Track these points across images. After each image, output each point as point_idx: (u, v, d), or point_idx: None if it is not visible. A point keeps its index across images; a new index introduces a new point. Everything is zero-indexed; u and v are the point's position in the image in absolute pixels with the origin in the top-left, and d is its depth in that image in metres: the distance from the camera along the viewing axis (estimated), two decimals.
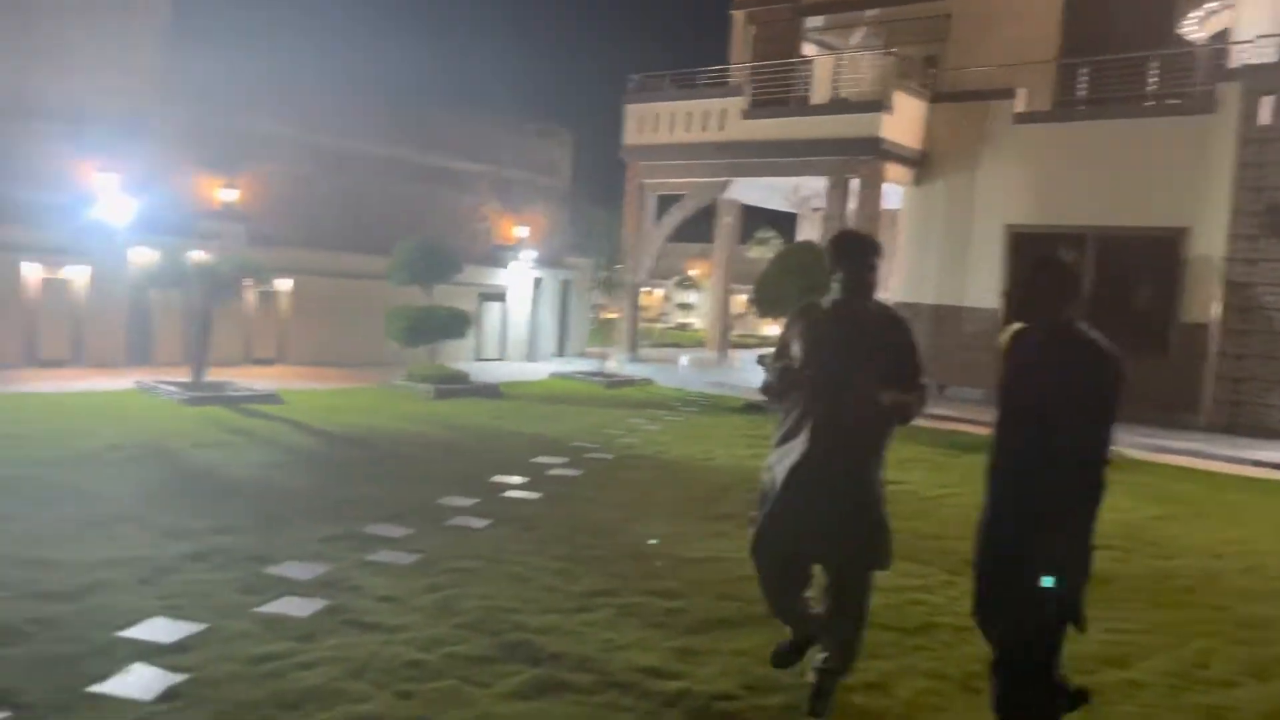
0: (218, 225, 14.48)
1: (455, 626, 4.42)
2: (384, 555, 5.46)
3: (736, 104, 17.39)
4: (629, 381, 15.64)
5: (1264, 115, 13.20)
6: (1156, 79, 15.23)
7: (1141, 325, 14.37)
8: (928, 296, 16.38)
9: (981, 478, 3.37)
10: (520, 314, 18.96)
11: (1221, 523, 7.95)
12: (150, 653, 3.90)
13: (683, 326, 38.75)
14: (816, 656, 3.83)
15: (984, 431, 4.52)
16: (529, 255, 19.07)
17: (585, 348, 20.85)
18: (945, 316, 16.05)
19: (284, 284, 15.17)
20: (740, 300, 28.55)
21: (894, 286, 17.08)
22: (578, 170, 22.17)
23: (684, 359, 19.31)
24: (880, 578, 4.48)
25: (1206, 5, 15.70)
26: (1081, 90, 15.68)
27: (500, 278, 18.51)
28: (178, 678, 3.69)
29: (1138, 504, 8.44)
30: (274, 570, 5.05)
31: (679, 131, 18.18)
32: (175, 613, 4.34)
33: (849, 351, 3.62)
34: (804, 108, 16.89)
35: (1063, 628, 3.20)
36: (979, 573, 3.39)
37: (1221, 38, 15.39)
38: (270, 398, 11.08)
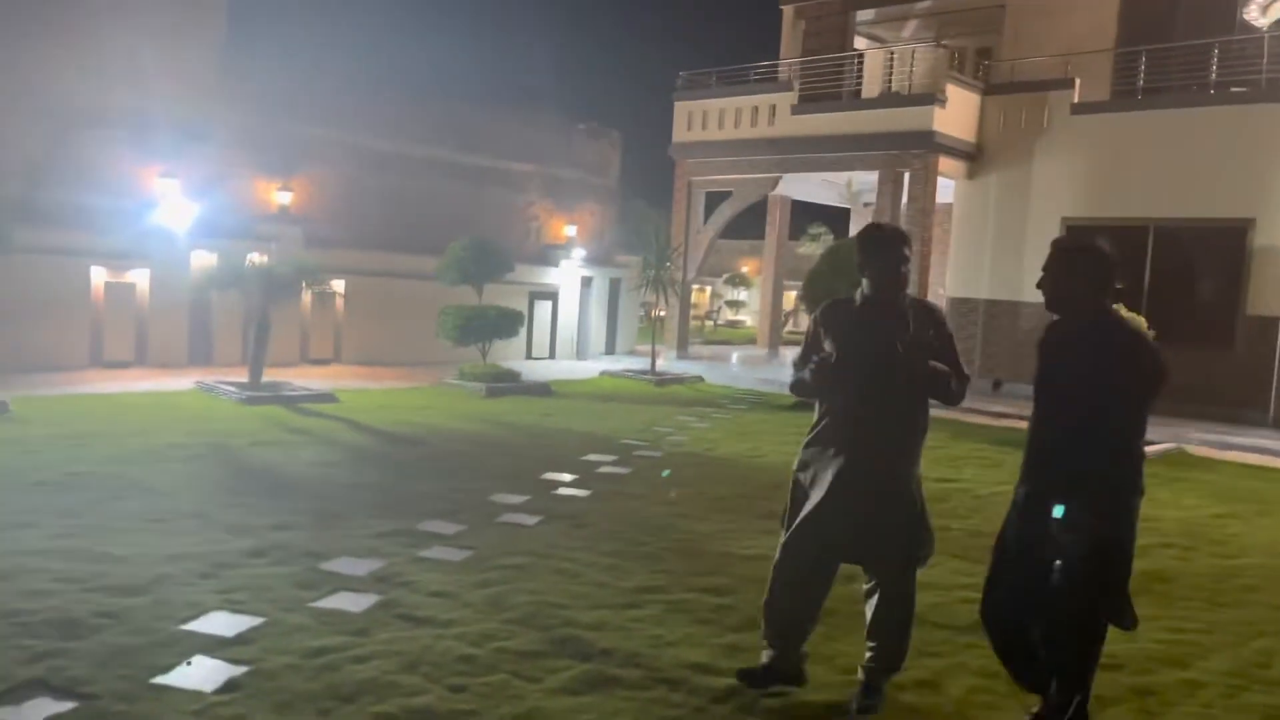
0: (275, 228, 14.78)
1: (506, 622, 4.47)
2: (436, 551, 5.54)
3: (786, 99, 17.30)
4: (678, 379, 15.65)
5: None
6: (1217, 67, 14.83)
7: (1206, 319, 14.03)
8: (982, 292, 16.15)
9: None
10: (570, 312, 19.06)
11: None
12: (212, 645, 4.01)
13: (733, 324, 38.66)
14: (864, 654, 3.82)
15: None
16: (579, 254, 19.17)
17: (635, 346, 20.91)
18: (1000, 312, 15.81)
19: (338, 285, 15.44)
20: (791, 297, 28.39)
21: (947, 282, 16.88)
22: (627, 168, 22.27)
23: (735, 356, 19.27)
24: (932, 576, 4.42)
25: None
26: (1140, 80, 15.34)
27: (550, 276, 18.63)
28: (238, 670, 3.79)
29: (1201, 502, 8.25)
30: (330, 566, 5.15)
31: (728, 128, 18.14)
32: (235, 607, 4.45)
33: (885, 348, 3.58)
34: (855, 102, 16.75)
35: (1094, 628, 3.12)
36: (993, 565, 3.36)
37: None
38: (326, 397, 11.29)
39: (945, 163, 15.82)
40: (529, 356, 17.91)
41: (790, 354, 19.98)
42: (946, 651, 4.41)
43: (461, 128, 18.44)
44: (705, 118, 18.53)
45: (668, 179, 19.63)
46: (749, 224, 22.77)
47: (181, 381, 12.05)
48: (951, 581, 5.32)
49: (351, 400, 11.42)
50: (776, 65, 18.86)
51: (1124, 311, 10.40)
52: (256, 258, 12.46)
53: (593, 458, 8.71)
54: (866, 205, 19.27)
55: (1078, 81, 15.44)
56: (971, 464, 9.32)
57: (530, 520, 6.39)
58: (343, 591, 4.76)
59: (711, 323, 37.89)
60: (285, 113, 15.65)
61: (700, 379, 16.01)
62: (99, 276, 13.18)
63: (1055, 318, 3.25)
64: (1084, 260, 3.13)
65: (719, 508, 7.06)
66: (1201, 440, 11.68)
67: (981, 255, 16.26)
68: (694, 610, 4.78)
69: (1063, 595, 3.11)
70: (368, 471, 7.70)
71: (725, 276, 39.37)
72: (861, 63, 17.32)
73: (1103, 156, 15.03)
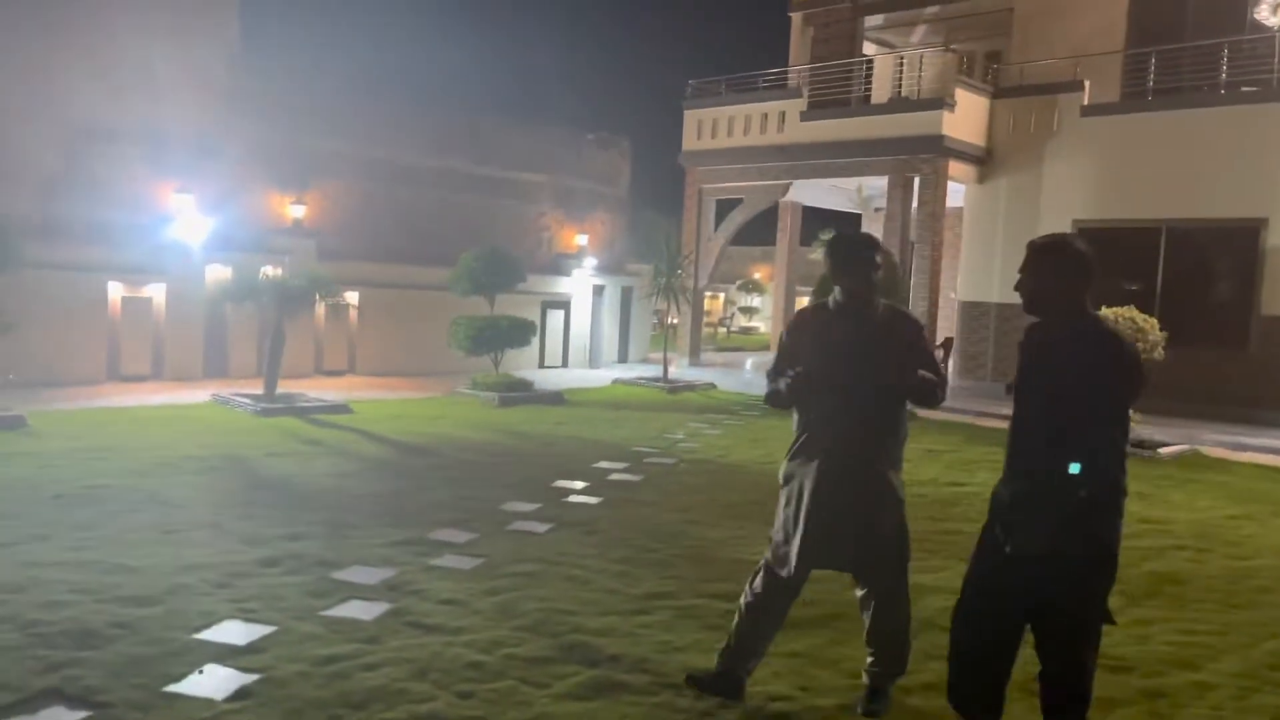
0: (289, 241, 14.90)
1: (515, 629, 4.50)
2: (447, 559, 5.58)
3: (796, 105, 17.34)
4: (691, 386, 15.67)
5: None
6: (1228, 67, 14.79)
7: (1219, 320, 13.97)
8: (992, 295, 16.13)
9: None
10: (582, 321, 19.12)
11: None
12: (224, 654, 4.06)
13: (746, 330, 38.65)
14: (866, 660, 3.83)
15: None
16: (590, 263, 19.24)
17: (647, 354, 20.94)
18: (1011, 316, 15.76)
19: (351, 296, 15.54)
20: (804, 302, 28.38)
21: (959, 286, 16.85)
22: (637, 177, 22.32)
23: (748, 362, 19.27)
24: (940, 579, 4.42)
25: None
26: (1150, 81, 15.30)
27: (562, 286, 18.70)
28: (249, 678, 3.83)
29: (1215, 503, 8.21)
30: (342, 575, 5.20)
31: (738, 135, 18.19)
32: (248, 616, 4.50)
33: (861, 356, 3.59)
34: (864, 107, 16.76)
35: (1087, 633, 3.11)
36: (970, 573, 3.36)
37: None
38: (340, 408, 11.37)
39: (955, 167, 15.81)
40: (542, 365, 17.97)
41: None
42: None
43: (473, 139, 18.55)
44: (715, 126, 18.59)
45: (678, 187, 19.71)
46: (761, 229, 22.82)
47: (197, 394, 12.15)
48: (959, 585, 5.29)
49: (365, 411, 11.49)
50: (786, 72, 18.91)
51: (1137, 313, 10.40)
52: (271, 271, 12.57)
53: (604, 465, 8.74)
54: (877, 210, 19.27)
55: (1087, 83, 15.42)
56: (984, 468, 9.28)
57: (541, 528, 6.43)
58: (354, 600, 4.81)
59: (725, 329, 37.91)
60: (298, 126, 15.78)
61: (713, 386, 16.02)
62: (115, 291, 13.32)
63: (1034, 320, 3.24)
64: (1060, 260, 3.11)
65: (731, 514, 7.08)
66: (1216, 441, 11.61)
67: (992, 259, 16.23)
68: (703, 616, 4.80)
69: (1063, 615, 3.10)
70: (381, 481, 7.75)
71: (738, 283, 39.39)
72: (871, 68, 17.32)
73: (1114, 158, 14.99)
